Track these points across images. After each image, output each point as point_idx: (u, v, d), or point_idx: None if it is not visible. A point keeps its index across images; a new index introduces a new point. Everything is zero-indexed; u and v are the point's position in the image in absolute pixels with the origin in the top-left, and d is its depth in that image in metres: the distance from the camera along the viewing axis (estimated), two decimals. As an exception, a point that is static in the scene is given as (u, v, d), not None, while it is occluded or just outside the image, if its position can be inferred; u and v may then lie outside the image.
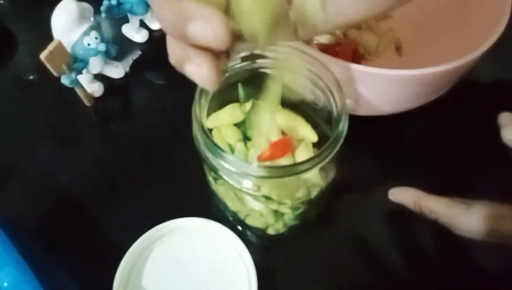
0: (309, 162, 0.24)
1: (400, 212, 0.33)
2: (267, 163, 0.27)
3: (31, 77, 0.43)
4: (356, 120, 0.29)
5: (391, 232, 0.35)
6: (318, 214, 0.33)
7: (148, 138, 0.39)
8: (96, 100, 0.40)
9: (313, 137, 0.28)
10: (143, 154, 0.38)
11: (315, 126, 0.29)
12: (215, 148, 0.24)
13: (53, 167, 0.37)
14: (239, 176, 0.24)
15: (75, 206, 0.36)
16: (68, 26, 0.33)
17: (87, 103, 0.39)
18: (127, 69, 0.42)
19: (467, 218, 0.27)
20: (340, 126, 0.25)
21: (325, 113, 0.28)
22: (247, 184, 0.25)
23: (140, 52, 0.43)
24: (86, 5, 0.35)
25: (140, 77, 0.42)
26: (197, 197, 0.35)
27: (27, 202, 0.36)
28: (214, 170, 0.25)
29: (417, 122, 0.39)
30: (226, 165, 0.24)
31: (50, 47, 0.32)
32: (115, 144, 0.39)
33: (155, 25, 0.44)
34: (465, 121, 0.40)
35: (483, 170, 0.37)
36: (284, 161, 0.27)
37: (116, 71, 0.40)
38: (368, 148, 0.38)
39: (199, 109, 0.26)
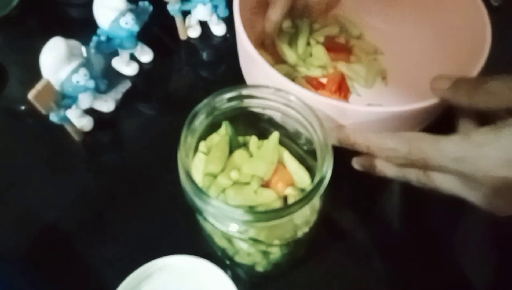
0: (296, 205, 0.24)
1: (390, 244, 0.33)
2: (259, 206, 0.27)
3: (22, 107, 0.43)
4: (341, 149, 0.29)
5: (381, 264, 0.35)
6: (306, 250, 0.33)
7: (137, 171, 0.39)
8: (86, 134, 0.40)
9: (306, 180, 0.28)
10: (132, 188, 0.38)
11: (300, 158, 0.30)
12: (200, 193, 0.24)
13: (40, 200, 0.37)
14: (225, 220, 0.24)
15: (62, 241, 0.35)
16: (56, 64, 0.33)
17: (76, 138, 0.39)
18: (117, 102, 0.42)
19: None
20: (324, 168, 0.25)
21: (309, 146, 0.29)
22: (234, 227, 0.25)
23: (130, 85, 0.44)
24: (74, 42, 0.35)
25: (130, 110, 0.42)
26: (186, 232, 0.35)
27: (13, 235, 0.36)
28: (199, 212, 0.26)
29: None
30: (211, 210, 0.24)
31: (38, 86, 0.32)
32: (104, 178, 0.39)
33: (144, 58, 0.44)
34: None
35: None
36: (275, 202, 0.27)
37: (106, 105, 0.40)
38: (354, 176, 0.38)
39: (185, 152, 0.26)
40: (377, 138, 0.28)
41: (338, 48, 0.43)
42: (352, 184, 0.38)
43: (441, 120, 0.36)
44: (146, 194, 0.37)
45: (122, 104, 0.42)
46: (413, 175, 0.29)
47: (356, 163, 0.32)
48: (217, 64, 0.47)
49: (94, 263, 0.34)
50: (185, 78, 0.46)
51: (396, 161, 0.29)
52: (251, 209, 0.26)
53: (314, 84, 0.41)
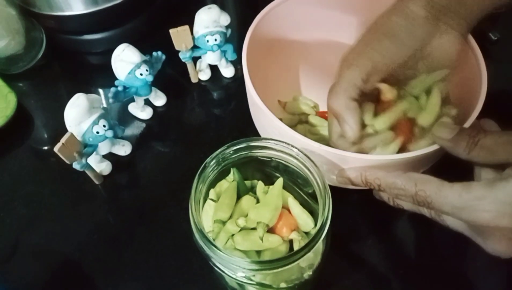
0: (300, 252, 0.26)
1: (395, 280, 0.34)
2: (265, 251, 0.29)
3: (46, 148, 0.46)
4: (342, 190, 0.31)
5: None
6: (311, 288, 0.35)
7: (154, 211, 0.41)
8: (105, 177, 0.42)
9: (309, 224, 0.30)
10: (150, 227, 0.40)
11: (303, 202, 0.32)
12: (208, 243, 0.26)
13: (62, 239, 0.40)
14: (232, 268, 0.26)
15: (82, 279, 0.38)
16: (79, 118, 0.37)
17: (96, 181, 0.41)
18: (133, 144, 0.45)
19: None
20: (325, 215, 0.27)
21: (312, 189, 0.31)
22: (241, 274, 0.27)
23: (145, 128, 0.47)
24: (95, 96, 0.38)
25: (146, 151, 0.45)
26: (200, 270, 0.37)
27: (34, 271, 0.38)
28: (209, 259, 0.28)
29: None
30: (219, 259, 0.26)
31: (63, 139, 0.35)
32: (123, 218, 0.41)
33: (158, 102, 0.47)
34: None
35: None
36: (280, 246, 0.29)
37: (123, 149, 0.43)
38: (358, 214, 0.40)
39: (194, 203, 0.28)
40: (387, 177, 0.30)
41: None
42: (354, 222, 0.39)
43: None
44: (162, 234, 0.40)
45: (138, 146, 0.45)
46: (426, 211, 0.31)
47: (376, 194, 0.34)
48: (227, 103, 0.50)
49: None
50: (198, 118, 0.48)
51: (405, 200, 0.30)
52: (256, 258, 0.28)
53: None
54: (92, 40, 0.52)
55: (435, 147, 0.31)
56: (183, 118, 0.48)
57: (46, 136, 0.48)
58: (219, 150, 0.31)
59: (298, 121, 0.43)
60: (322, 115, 0.43)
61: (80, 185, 0.42)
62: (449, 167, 0.30)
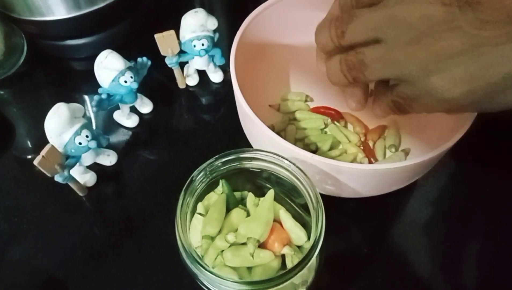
0: (292, 271, 0.25)
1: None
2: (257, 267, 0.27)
3: (29, 157, 0.44)
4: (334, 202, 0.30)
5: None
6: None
7: (141, 224, 0.40)
8: (89, 188, 0.41)
9: (302, 238, 0.29)
10: (136, 242, 0.38)
11: (295, 214, 0.31)
12: (195, 262, 0.25)
13: (45, 254, 0.38)
14: (221, 289, 0.25)
15: (69, 296, 0.36)
16: (60, 128, 0.35)
17: (80, 193, 0.40)
18: (119, 154, 0.43)
19: None
20: (318, 230, 0.26)
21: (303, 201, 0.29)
22: (230, 294, 0.26)
23: (131, 136, 0.45)
24: (76, 105, 0.37)
25: (132, 161, 0.44)
26: (189, 285, 0.36)
27: (17, 288, 0.36)
28: (195, 277, 0.26)
29: (402, 198, 0.40)
30: (207, 279, 0.25)
31: (43, 152, 0.33)
32: (109, 232, 0.39)
33: (145, 110, 0.46)
34: (450, 192, 0.41)
35: (473, 243, 0.37)
36: (272, 262, 0.28)
37: (108, 159, 0.41)
38: (352, 224, 0.39)
39: (181, 220, 0.27)
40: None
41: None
42: (349, 232, 0.38)
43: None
44: (150, 247, 0.38)
45: (124, 155, 0.43)
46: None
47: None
48: (216, 109, 0.48)
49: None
50: (186, 125, 0.47)
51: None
52: (247, 274, 0.27)
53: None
54: (75, 45, 0.50)
55: (434, 154, 0.30)
56: (170, 125, 0.47)
57: (28, 145, 0.46)
58: (207, 162, 0.29)
59: (289, 122, 0.42)
60: (317, 111, 0.43)
61: (63, 197, 0.41)
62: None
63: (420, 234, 0.38)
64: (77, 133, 0.36)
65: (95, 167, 0.42)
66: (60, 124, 0.35)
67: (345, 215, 0.38)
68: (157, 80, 0.48)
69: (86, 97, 0.49)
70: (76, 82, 0.51)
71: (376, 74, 0.27)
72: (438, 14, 0.22)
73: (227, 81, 0.49)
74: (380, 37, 0.25)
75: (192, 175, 0.29)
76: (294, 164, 0.28)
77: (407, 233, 0.38)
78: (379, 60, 0.26)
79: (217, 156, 0.29)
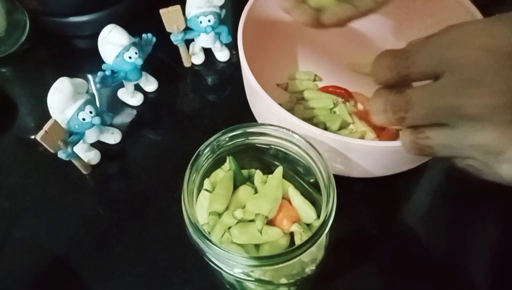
0: (302, 247, 0.24)
1: (401, 273, 0.33)
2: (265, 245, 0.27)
3: (32, 137, 0.43)
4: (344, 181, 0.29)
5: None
6: (313, 283, 0.33)
7: (145, 203, 0.39)
8: (93, 167, 0.40)
9: (311, 216, 0.28)
10: (141, 220, 0.38)
11: (304, 191, 0.30)
12: (202, 237, 0.24)
13: (49, 233, 0.37)
14: (229, 264, 0.24)
15: (71, 274, 0.36)
16: (63, 104, 0.34)
17: (84, 171, 0.39)
18: (123, 132, 0.42)
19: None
20: (329, 206, 0.25)
21: (314, 178, 0.29)
22: (238, 270, 0.25)
23: (135, 115, 0.44)
24: (80, 80, 0.36)
25: (136, 140, 0.43)
26: (194, 264, 0.35)
27: (21, 267, 0.36)
28: (203, 254, 0.26)
29: (412, 179, 0.39)
30: (214, 255, 0.24)
31: (46, 127, 0.32)
32: (113, 210, 0.39)
33: (149, 88, 0.45)
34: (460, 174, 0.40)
35: (481, 225, 0.36)
36: (281, 239, 0.27)
37: (112, 137, 0.41)
38: (362, 205, 0.38)
39: (187, 195, 0.26)
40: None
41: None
42: (358, 212, 0.38)
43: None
44: (154, 227, 0.37)
45: (128, 134, 0.43)
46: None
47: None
48: (222, 88, 0.47)
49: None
50: (191, 104, 0.46)
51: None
52: (255, 252, 0.26)
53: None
54: (78, 22, 0.49)
55: None
56: (175, 105, 0.46)
57: (31, 124, 0.45)
58: (214, 137, 0.28)
59: (296, 102, 0.41)
60: (325, 90, 0.42)
61: (67, 176, 0.40)
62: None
63: (429, 216, 0.38)
64: (81, 108, 0.35)
65: (99, 146, 0.41)
66: (63, 99, 0.34)
67: (354, 195, 0.38)
68: (162, 59, 0.47)
69: (90, 77, 0.48)
70: (80, 61, 0.50)
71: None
72: None
73: (233, 61, 0.48)
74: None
75: (198, 150, 0.28)
76: (304, 139, 0.27)
77: (416, 214, 0.37)
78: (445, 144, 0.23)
79: (224, 130, 0.28)
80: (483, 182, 0.39)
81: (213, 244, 0.24)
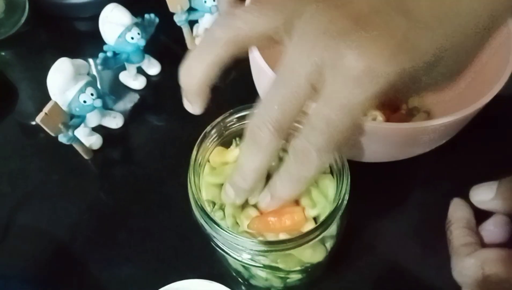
0: (312, 233, 0.23)
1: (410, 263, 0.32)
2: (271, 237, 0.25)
3: (33, 123, 0.42)
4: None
5: (399, 282, 0.33)
6: (324, 269, 0.32)
7: (149, 188, 0.38)
8: (95, 151, 0.39)
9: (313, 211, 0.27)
10: (145, 207, 0.37)
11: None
12: (210, 221, 0.23)
13: (51, 220, 0.37)
14: (237, 249, 0.23)
15: (74, 262, 0.35)
16: (63, 85, 0.33)
17: (85, 156, 0.38)
18: (126, 117, 0.41)
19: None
20: (342, 193, 0.24)
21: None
22: (246, 256, 0.24)
23: (138, 98, 0.43)
24: (81, 61, 0.35)
25: (139, 124, 0.42)
26: (200, 251, 0.34)
27: (25, 255, 0.35)
28: (210, 239, 0.25)
29: (423, 165, 0.37)
30: (222, 239, 0.23)
31: (46, 109, 0.31)
32: (116, 197, 0.38)
33: (152, 71, 0.43)
34: (472, 160, 0.38)
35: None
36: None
37: (115, 121, 0.40)
38: (374, 191, 0.37)
39: (194, 175, 0.25)
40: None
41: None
42: (370, 197, 0.36)
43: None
44: (159, 213, 0.36)
45: (131, 119, 0.42)
46: None
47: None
48: (226, 72, 0.45)
49: (107, 284, 0.34)
50: (195, 88, 0.44)
51: None
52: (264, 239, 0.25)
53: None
54: (79, 4, 0.48)
55: (458, 115, 0.28)
56: (179, 88, 0.44)
57: (31, 108, 0.44)
58: (221, 117, 0.27)
59: None
60: None
61: (68, 161, 0.39)
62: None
63: (441, 202, 0.36)
64: (82, 90, 0.34)
65: (100, 130, 0.40)
66: (64, 80, 0.33)
67: (364, 181, 0.36)
68: (165, 40, 0.46)
69: (91, 60, 0.47)
70: (80, 43, 0.49)
71: None
72: None
73: (238, 43, 0.46)
74: None
75: (204, 131, 0.27)
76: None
77: (428, 201, 0.36)
78: None
79: (231, 110, 0.27)
80: (498, 168, 0.37)
81: (220, 227, 0.23)
